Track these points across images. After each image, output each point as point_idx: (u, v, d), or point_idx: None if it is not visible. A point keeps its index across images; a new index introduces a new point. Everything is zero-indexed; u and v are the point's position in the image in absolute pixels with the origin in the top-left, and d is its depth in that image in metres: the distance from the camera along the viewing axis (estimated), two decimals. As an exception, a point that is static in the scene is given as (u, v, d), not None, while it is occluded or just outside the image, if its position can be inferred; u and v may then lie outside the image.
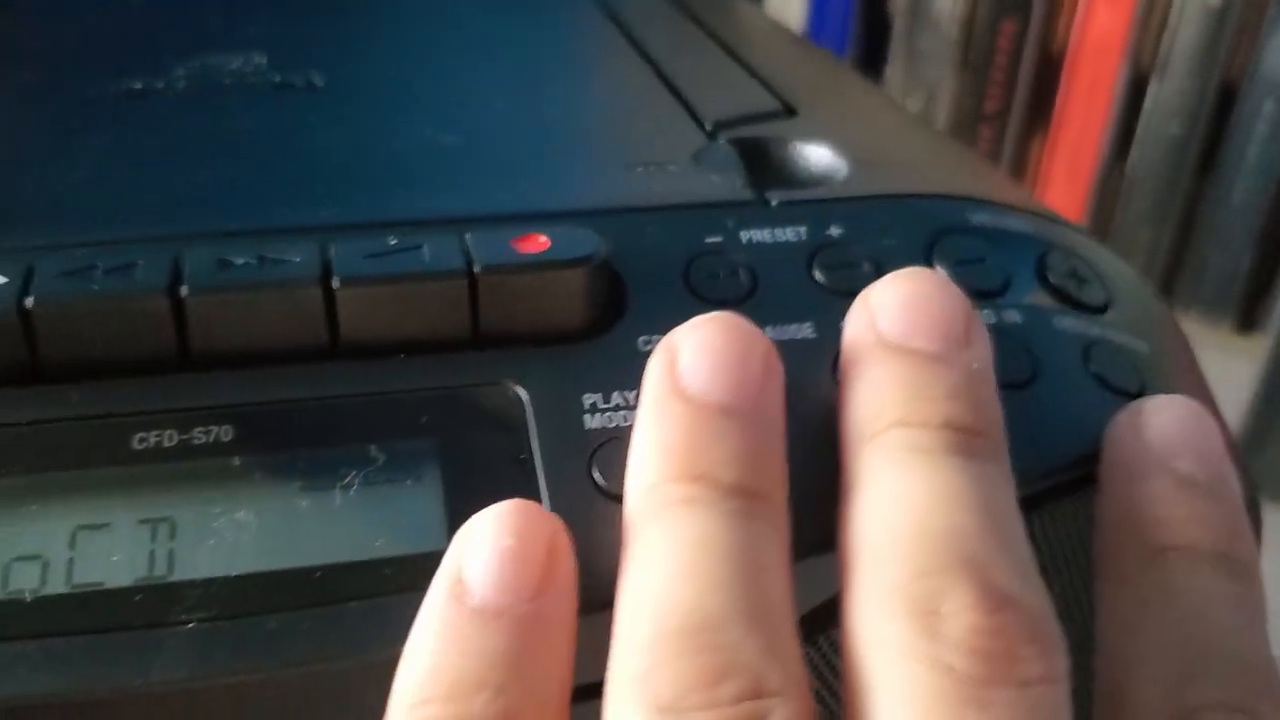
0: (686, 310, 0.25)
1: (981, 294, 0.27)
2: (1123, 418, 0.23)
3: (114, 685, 0.20)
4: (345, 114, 0.33)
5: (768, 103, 0.33)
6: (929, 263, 0.27)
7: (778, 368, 0.22)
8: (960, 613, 0.18)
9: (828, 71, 0.42)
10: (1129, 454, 0.23)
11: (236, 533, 0.21)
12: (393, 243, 0.24)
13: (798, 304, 0.25)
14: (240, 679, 0.20)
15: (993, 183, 0.33)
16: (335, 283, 0.23)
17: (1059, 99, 0.62)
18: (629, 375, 0.24)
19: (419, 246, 0.24)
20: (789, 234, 0.27)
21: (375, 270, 0.23)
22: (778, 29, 0.47)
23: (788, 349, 0.24)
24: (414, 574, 0.21)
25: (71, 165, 0.29)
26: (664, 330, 0.25)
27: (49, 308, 0.22)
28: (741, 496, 0.20)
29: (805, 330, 0.25)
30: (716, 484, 0.20)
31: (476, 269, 0.23)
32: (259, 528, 0.21)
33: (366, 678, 0.20)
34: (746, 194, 0.28)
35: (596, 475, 0.22)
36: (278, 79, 0.34)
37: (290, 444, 0.22)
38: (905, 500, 0.20)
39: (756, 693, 0.18)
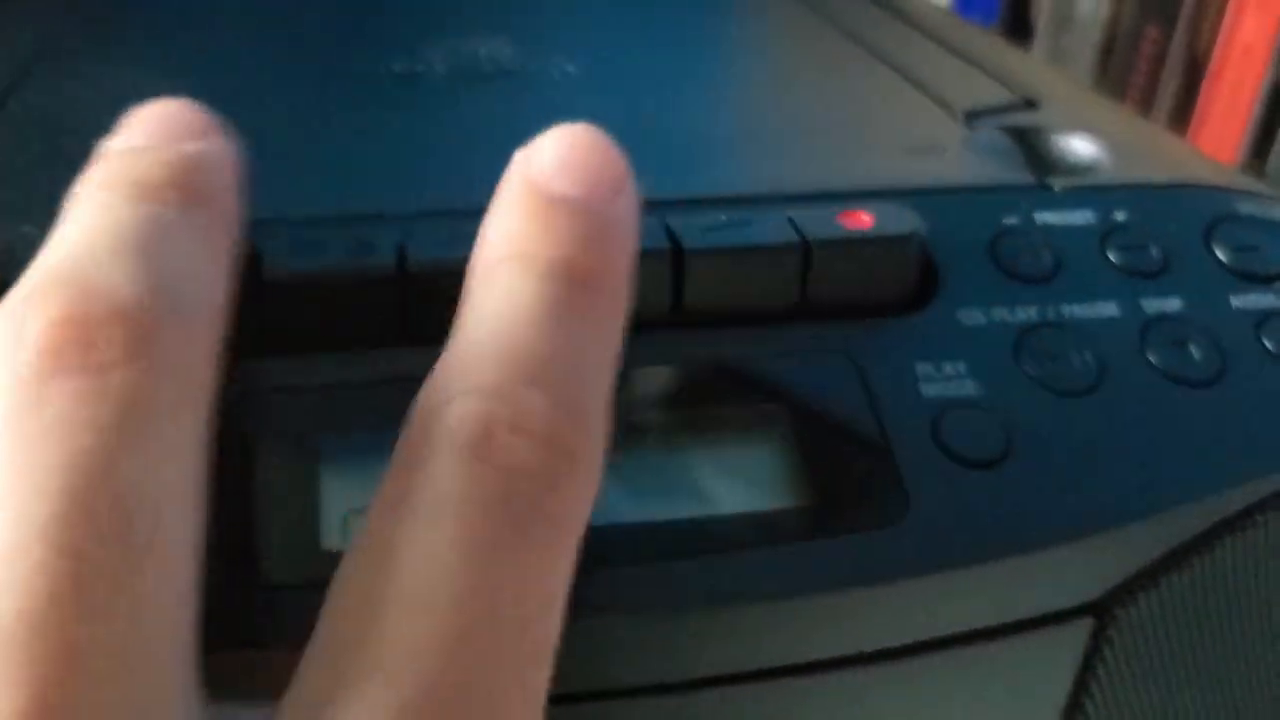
0: (997, 286, 0.26)
1: (1261, 279, 0.27)
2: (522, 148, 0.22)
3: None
4: (609, 100, 0.34)
5: (1010, 95, 0.34)
6: (1208, 249, 0.28)
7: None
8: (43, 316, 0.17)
9: (1033, 63, 0.43)
10: (509, 177, 0.21)
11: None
12: (724, 219, 0.25)
13: (1099, 284, 0.26)
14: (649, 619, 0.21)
15: (1230, 175, 0.33)
16: (684, 255, 0.24)
17: (1199, 104, 0.63)
18: (954, 347, 0.25)
19: (749, 223, 0.25)
20: (1078, 217, 0.28)
21: (719, 242, 0.24)
22: (959, 23, 0.48)
23: (1096, 328, 0.25)
24: (766, 529, 0.22)
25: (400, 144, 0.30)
26: (980, 305, 0.26)
27: (424, 269, 0.23)
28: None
29: (1110, 309, 0.26)
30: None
31: (810, 242, 0.24)
32: (630, 481, 0.22)
33: (718, 625, 0.21)
34: (1028, 179, 0.29)
35: (943, 441, 0.23)
36: (532, 64, 0.35)
37: (648, 404, 0.23)
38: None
39: None
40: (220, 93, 0.23)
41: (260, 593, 0.21)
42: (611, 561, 0.21)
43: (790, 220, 0.25)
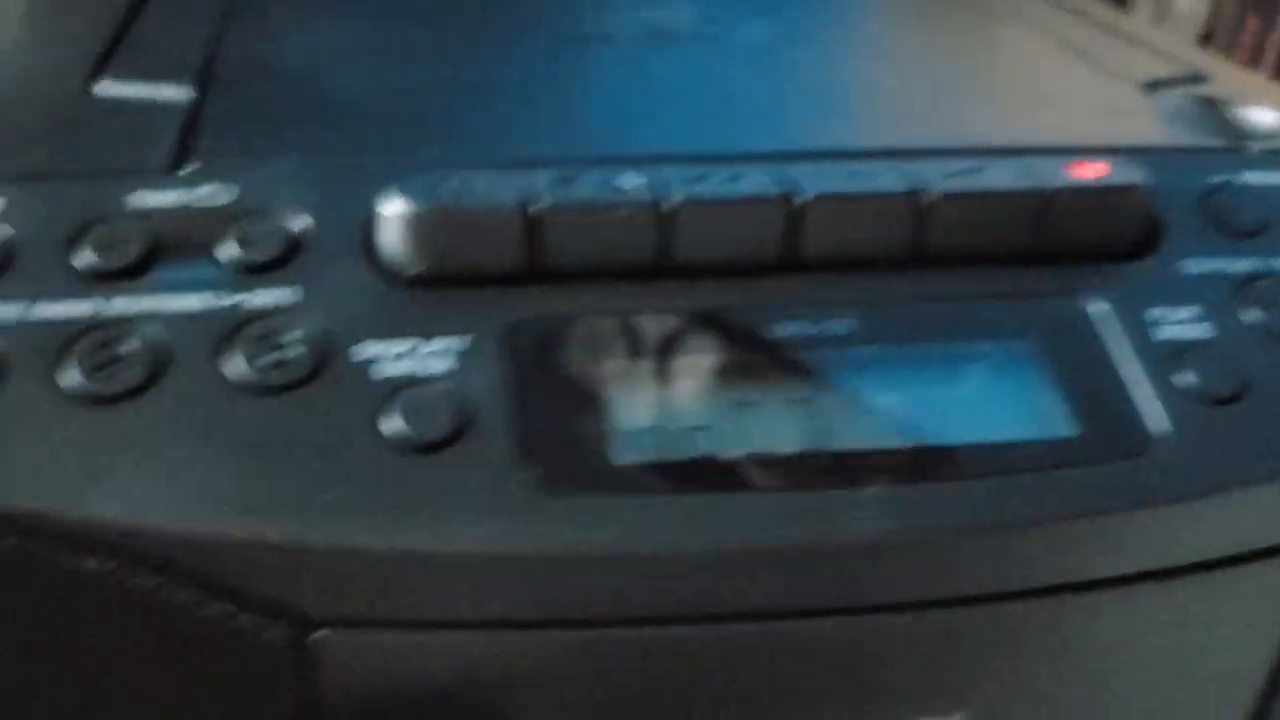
0: (1213, 239, 0.27)
1: None
2: None
3: (806, 539, 0.22)
4: (785, 64, 0.35)
5: (1182, 68, 0.35)
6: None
7: None
8: None
9: (1173, 41, 0.44)
10: None
11: (876, 412, 0.24)
12: (961, 166, 0.26)
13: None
14: (917, 539, 0.22)
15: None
16: (927, 199, 0.25)
17: (1295, 96, 0.64)
18: (1180, 293, 0.26)
19: (983, 169, 0.26)
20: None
21: (965, 187, 0.25)
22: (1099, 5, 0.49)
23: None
24: (1032, 457, 0.23)
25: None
26: (1200, 255, 0.27)
27: (689, 209, 0.24)
28: None
29: (1318, 263, 0.27)
30: None
31: (1050, 189, 0.26)
32: (893, 408, 0.24)
33: (995, 545, 0.23)
34: (1221, 142, 0.30)
35: (1180, 380, 0.24)
36: (720, 28, 0.36)
37: (901, 338, 0.25)
38: None
39: None
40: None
41: (546, 499, 0.22)
42: (878, 482, 0.23)
43: (1026, 168, 0.26)
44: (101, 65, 0.31)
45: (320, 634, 0.22)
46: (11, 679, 0.23)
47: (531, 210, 0.24)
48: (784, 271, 0.25)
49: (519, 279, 0.24)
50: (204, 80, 0.30)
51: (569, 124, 0.31)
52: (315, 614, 0.22)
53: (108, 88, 0.30)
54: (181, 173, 0.26)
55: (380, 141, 0.28)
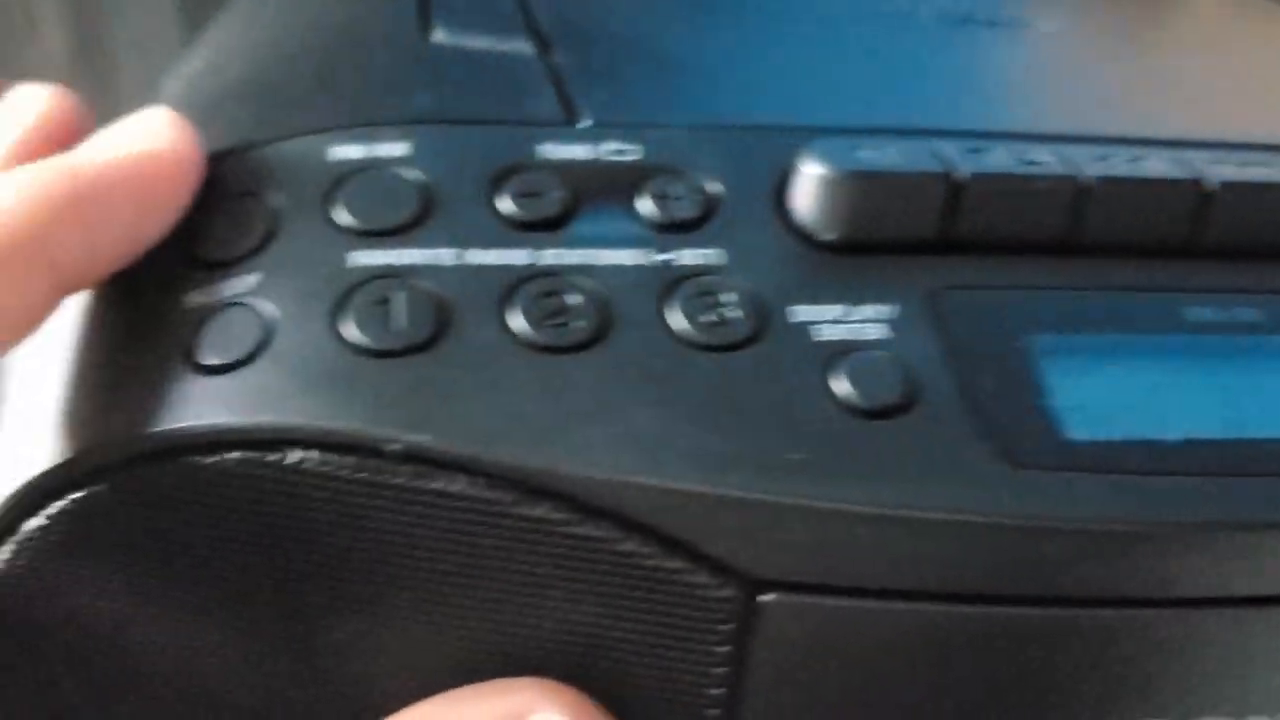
0: None
1: None
2: None
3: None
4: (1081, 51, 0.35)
5: None
6: None
7: None
8: None
9: None
10: None
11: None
12: (1249, 158, 0.26)
13: None
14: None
15: None
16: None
17: None
18: None
19: (1269, 163, 0.26)
20: None
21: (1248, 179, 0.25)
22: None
23: None
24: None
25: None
26: None
27: (1105, 186, 0.24)
28: None
29: None
30: None
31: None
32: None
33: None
34: None
35: None
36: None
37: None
38: None
39: None
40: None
41: (1008, 473, 0.21)
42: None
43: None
44: (424, 17, 0.30)
45: (769, 596, 0.21)
46: (455, 625, 0.22)
47: (954, 177, 0.24)
48: (1188, 255, 0.25)
49: (934, 247, 0.24)
50: (536, 35, 0.30)
51: (894, 96, 0.30)
52: (765, 575, 0.21)
53: (444, 37, 0.29)
54: (580, 127, 0.25)
55: (747, 106, 0.28)
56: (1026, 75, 0.32)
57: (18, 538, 0.22)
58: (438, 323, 0.21)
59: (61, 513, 0.21)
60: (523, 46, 0.29)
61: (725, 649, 0.22)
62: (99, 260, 0.22)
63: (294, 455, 0.21)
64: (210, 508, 0.21)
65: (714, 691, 0.23)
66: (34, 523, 0.22)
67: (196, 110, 0.27)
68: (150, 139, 0.23)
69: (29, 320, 0.21)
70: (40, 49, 0.66)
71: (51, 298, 0.22)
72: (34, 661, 0.23)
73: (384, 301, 0.21)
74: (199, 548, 0.22)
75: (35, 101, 0.24)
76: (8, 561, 0.22)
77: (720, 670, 0.22)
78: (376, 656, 0.23)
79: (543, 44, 0.29)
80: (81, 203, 0.21)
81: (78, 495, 0.21)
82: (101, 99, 0.67)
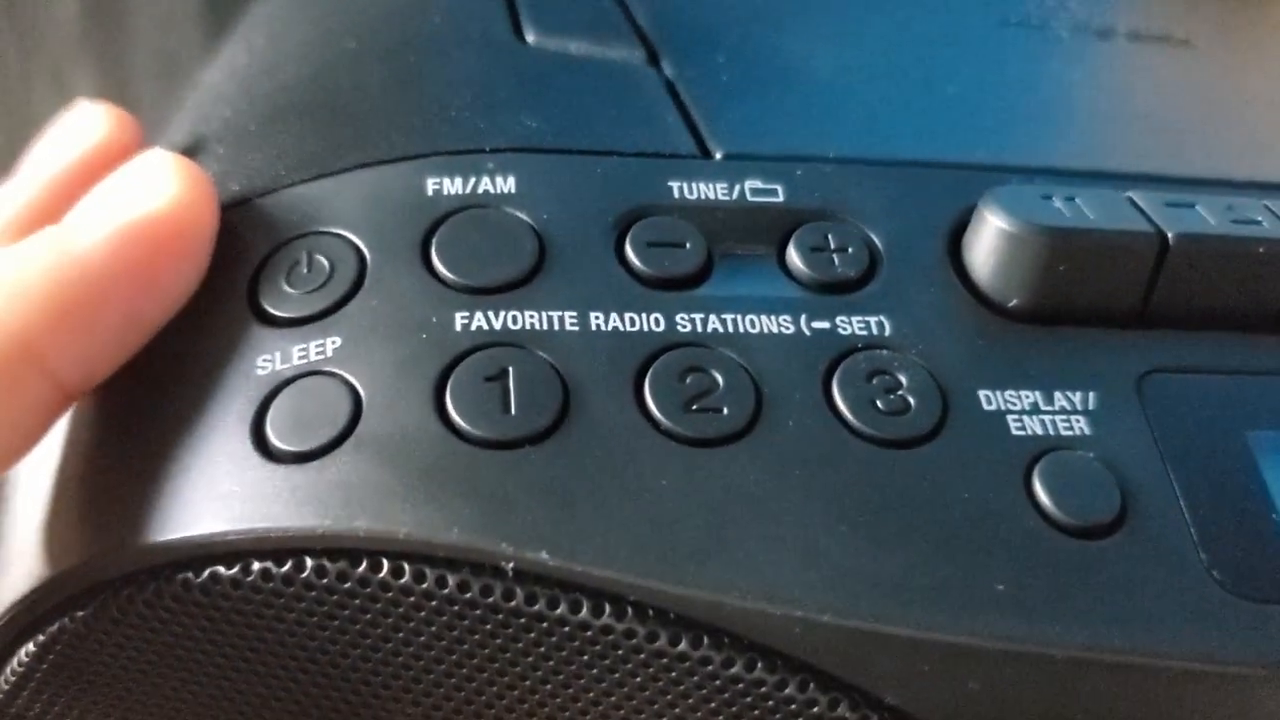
0: None
1: None
2: None
3: None
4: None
5: None
6: None
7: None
8: None
9: None
10: None
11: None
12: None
13: None
14: None
15: None
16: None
17: None
18: None
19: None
20: None
21: None
22: None
23: None
24: None
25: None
26: None
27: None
28: None
29: None
30: None
31: None
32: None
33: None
34: None
35: None
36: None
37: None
38: None
39: None
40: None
41: (1241, 603, 0.18)
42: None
43: None
44: (512, 10, 0.26)
45: (950, 752, 0.18)
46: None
47: (1170, 239, 0.20)
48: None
49: (1132, 319, 0.20)
50: (641, 38, 0.26)
51: (1063, 126, 0.26)
52: (947, 725, 0.18)
53: (539, 37, 0.25)
54: (715, 159, 0.21)
55: (904, 137, 0.24)
56: (1200, 104, 0.28)
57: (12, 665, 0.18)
58: (562, 405, 0.18)
59: (59, 635, 0.18)
60: (630, 53, 0.25)
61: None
62: (102, 360, 0.19)
63: (384, 568, 0.17)
64: (251, 626, 0.17)
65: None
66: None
67: (251, 122, 0.23)
68: (153, 199, 0.19)
69: (25, 437, 0.18)
70: (51, 15, 0.62)
71: (52, 408, 0.18)
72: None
73: (499, 376, 0.18)
74: (212, 666, 0.18)
75: (96, 122, 0.22)
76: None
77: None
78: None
79: (651, 51, 0.25)
80: (76, 302, 0.18)
81: (79, 615, 0.18)
82: (113, 69, 0.64)
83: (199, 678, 0.19)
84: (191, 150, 0.23)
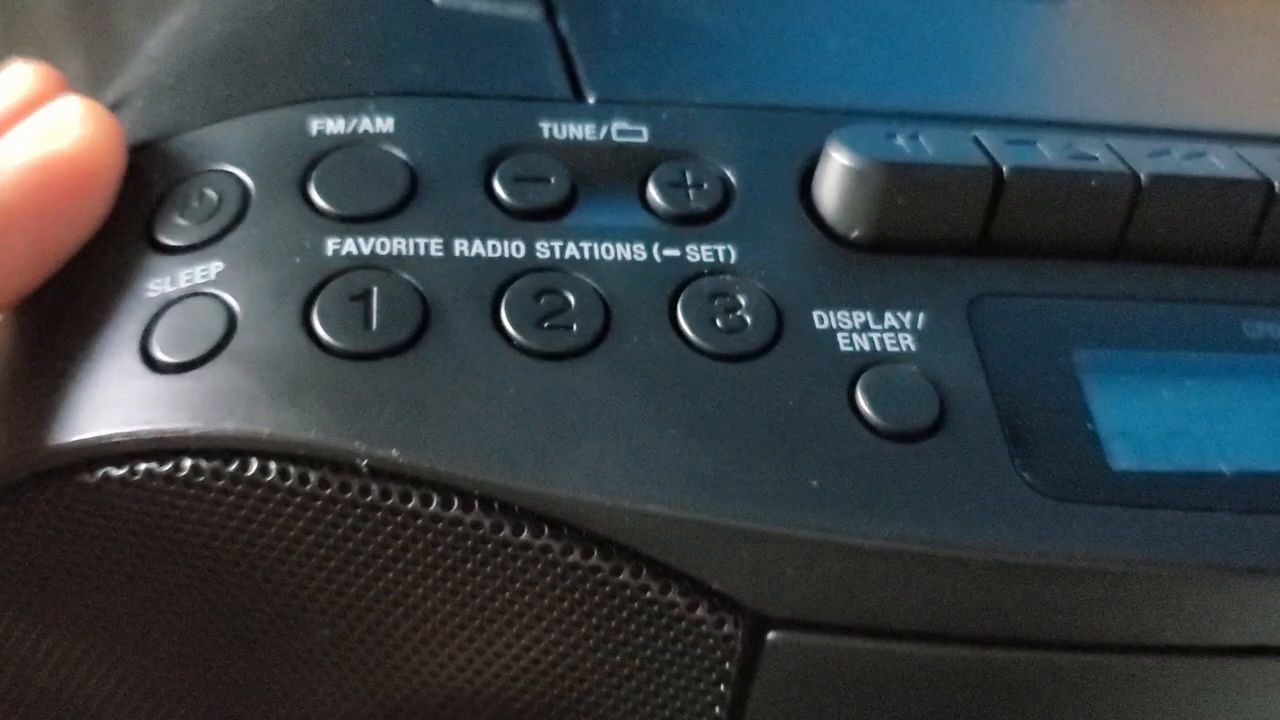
0: None
1: None
2: None
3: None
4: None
5: None
6: None
7: None
8: None
9: None
10: None
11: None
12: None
13: None
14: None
15: None
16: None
17: None
18: None
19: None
20: None
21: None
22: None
23: None
24: None
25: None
26: None
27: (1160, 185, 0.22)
28: None
29: None
30: None
31: None
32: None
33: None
34: None
35: None
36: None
37: None
38: None
39: None
40: None
41: (1049, 504, 0.19)
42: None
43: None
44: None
45: (777, 634, 0.19)
46: (421, 657, 0.20)
47: (1005, 172, 0.21)
48: (1249, 264, 0.23)
49: (971, 249, 0.22)
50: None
51: (927, 75, 0.28)
52: (774, 612, 0.19)
53: (449, 1, 0.27)
54: (588, 103, 0.23)
55: (770, 84, 0.25)
56: (1068, 56, 0.29)
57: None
58: (421, 322, 0.19)
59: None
60: (528, 10, 0.26)
61: (724, 689, 0.20)
62: (11, 287, 0.20)
63: (253, 466, 0.18)
64: (143, 524, 0.19)
65: (712, 728, 0.21)
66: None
67: (170, 77, 0.25)
68: (61, 140, 0.21)
69: None
70: (40, 5, 0.64)
71: None
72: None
73: (363, 296, 0.19)
74: (119, 568, 0.20)
75: (23, 77, 0.23)
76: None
77: (719, 709, 0.20)
78: (316, 694, 0.21)
79: (549, 9, 0.27)
80: None
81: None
82: (100, 59, 0.65)
83: (111, 587, 0.21)
84: (116, 104, 0.25)
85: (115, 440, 0.19)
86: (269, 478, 0.18)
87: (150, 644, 0.21)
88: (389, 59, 0.24)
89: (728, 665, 0.20)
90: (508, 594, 0.19)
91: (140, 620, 0.21)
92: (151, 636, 0.21)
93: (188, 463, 0.19)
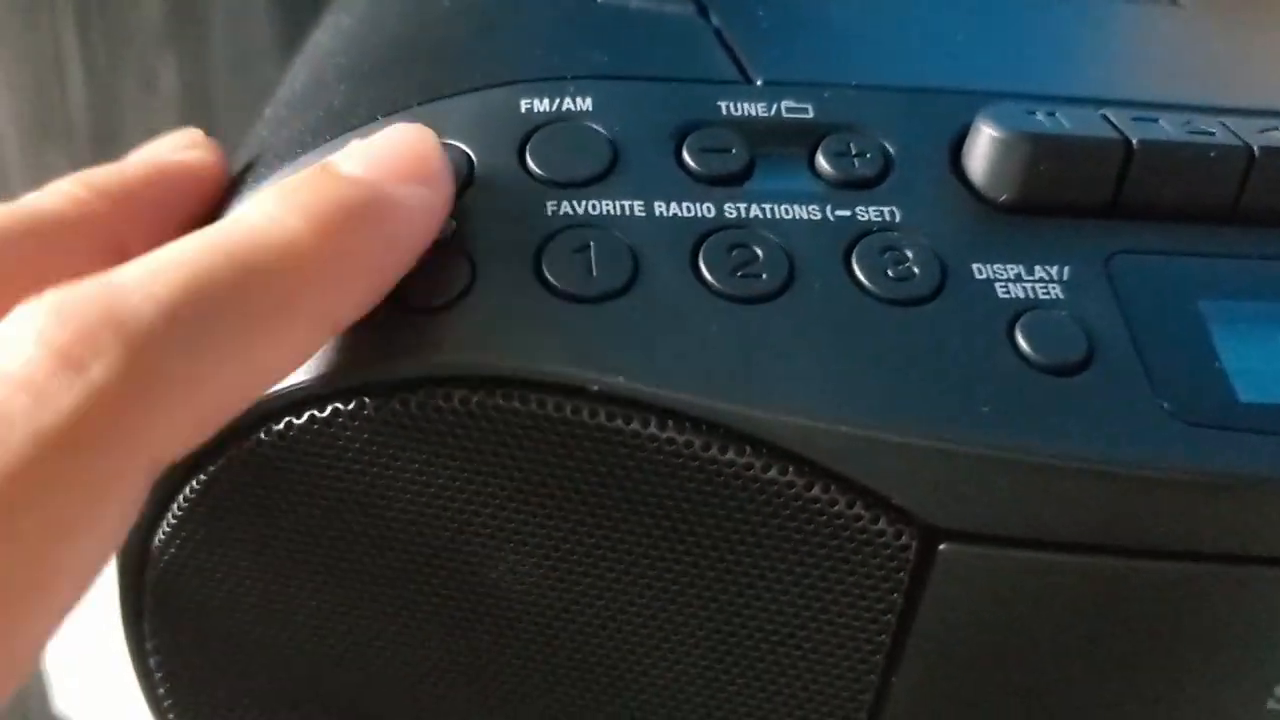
0: None
1: None
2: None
3: None
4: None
5: None
6: None
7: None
8: None
9: None
10: None
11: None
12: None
13: None
14: None
15: None
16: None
17: None
18: None
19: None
20: None
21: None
22: None
23: None
24: None
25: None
26: None
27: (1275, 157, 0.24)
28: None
29: None
30: None
31: None
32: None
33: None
34: None
35: None
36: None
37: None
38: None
39: None
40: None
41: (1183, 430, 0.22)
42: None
43: None
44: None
45: (948, 545, 0.22)
46: (639, 565, 0.23)
47: (1134, 144, 0.24)
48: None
49: (1105, 211, 0.24)
50: (692, -2, 0.30)
51: (1059, 66, 0.30)
52: (945, 524, 0.22)
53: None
54: (757, 85, 0.26)
55: (913, 69, 0.28)
56: (1184, 49, 0.32)
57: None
58: (633, 271, 0.22)
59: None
60: (682, 8, 0.29)
61: (896, 597, 0.23)
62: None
63: (498, 395, 0.21)
64: (413, 447, 0.22)
65: (880, 638, 0.23)
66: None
67: (368, 65, 0.28)
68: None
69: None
70: (139, 14, 0.67)
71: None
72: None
73: (583, 249, 0.22)
74: (391, 491, 0.23)
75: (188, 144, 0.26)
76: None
77: (888, 618, 0.23)
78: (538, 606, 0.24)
79: (700, 5, 0.30)
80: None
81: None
82: (195, 66, 0.69)
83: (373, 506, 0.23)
84: (314, 89, 0.28)
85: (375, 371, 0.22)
86: (512, 403, 0.21)
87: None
88: (575, 48, 0.27)
89: (902, 574, 0.22)
90: (713, 509, 0.22)
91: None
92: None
93: (453, 393, 0.21)
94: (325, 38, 0.32)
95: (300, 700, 0.26)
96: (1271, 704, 0.25)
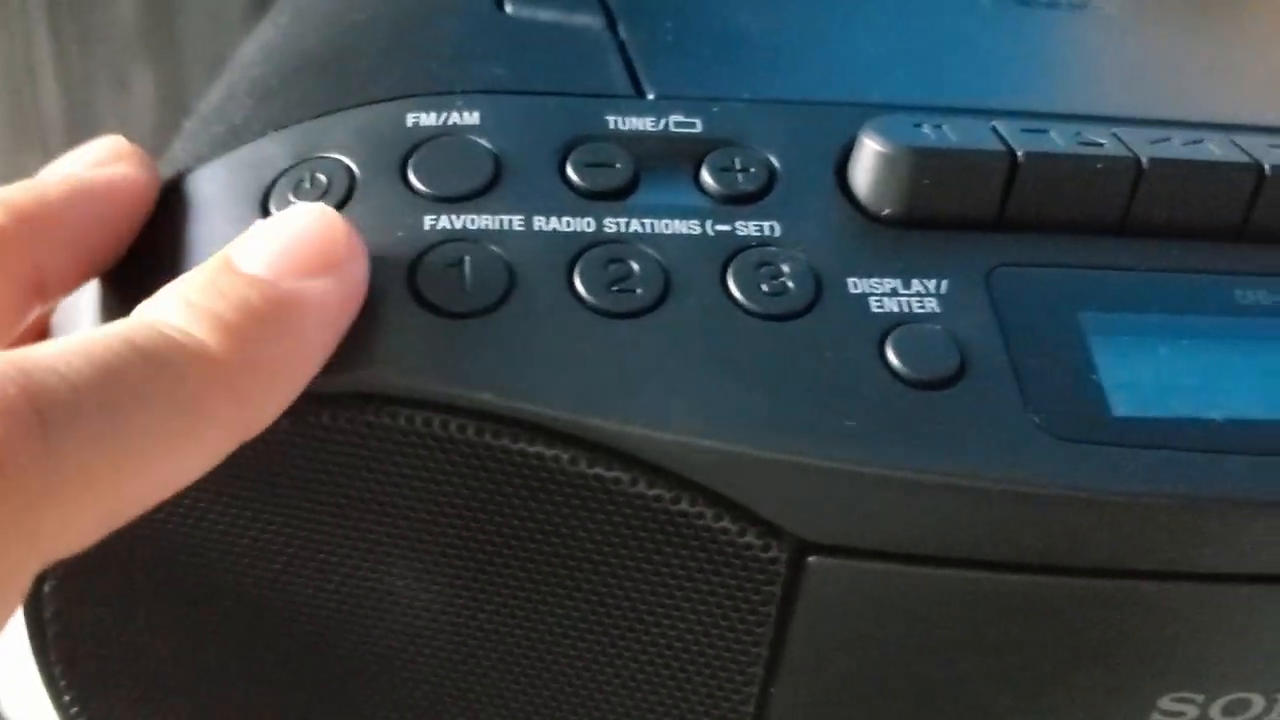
0: None
1: None
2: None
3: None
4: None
5: None
6: None
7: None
8: None
9: None
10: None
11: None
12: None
13: None
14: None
15: None
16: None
17: None
18: None
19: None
20: None
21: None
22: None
23: None
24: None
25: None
26: None
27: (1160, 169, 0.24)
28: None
29: None
30: None
31: None
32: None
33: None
34: None
35: None
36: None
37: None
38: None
39: None
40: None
41: (1054, 446, 0.22)
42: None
43: None
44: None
45: (817, 558, 0.22)
46: (500, 586, 0.23)
47: (1014, 156, 0.24)
48: (1240, 239, 0.25)
49: (990, 225, 0.25)
50: (604, 9, 0.30)
51: (954, 75, 0.30)
52: (814, 538, 0.22)
53: (519, 9, 0.30)
54: (648, 99, 0.26)
55: (806, 82, 0.28)
56: (1084, 57, 0.32)
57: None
58: (507, 286, 0.22)
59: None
60: (591, 20, 0.29)
61: (769, 609, 0.23)
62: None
63: (371, 411, 0.22)
64: (292, 469, 0.22)
65: (756, 650, 0.24)
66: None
67: (274, 80, 0.28)
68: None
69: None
70: (111, 15, 0.67)
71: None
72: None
73: (457, 264, 0.22)
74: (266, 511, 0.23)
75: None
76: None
77: (763, 630, 0.23)
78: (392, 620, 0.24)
79: (610, 18, 0.30)
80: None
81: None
82: (170, 69, 0.69)
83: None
84: (224, 103, 0.28)
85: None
86: (382, 419, 0.21)
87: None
88: (472, 61, 0.27)
89: (773, 587, 0.23)
90: (579, 525, 0.22)
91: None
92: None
93: (322, 411, 0.22)
94: (249, 49, 0.33)
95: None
96: (1156, 717, 0.25)
